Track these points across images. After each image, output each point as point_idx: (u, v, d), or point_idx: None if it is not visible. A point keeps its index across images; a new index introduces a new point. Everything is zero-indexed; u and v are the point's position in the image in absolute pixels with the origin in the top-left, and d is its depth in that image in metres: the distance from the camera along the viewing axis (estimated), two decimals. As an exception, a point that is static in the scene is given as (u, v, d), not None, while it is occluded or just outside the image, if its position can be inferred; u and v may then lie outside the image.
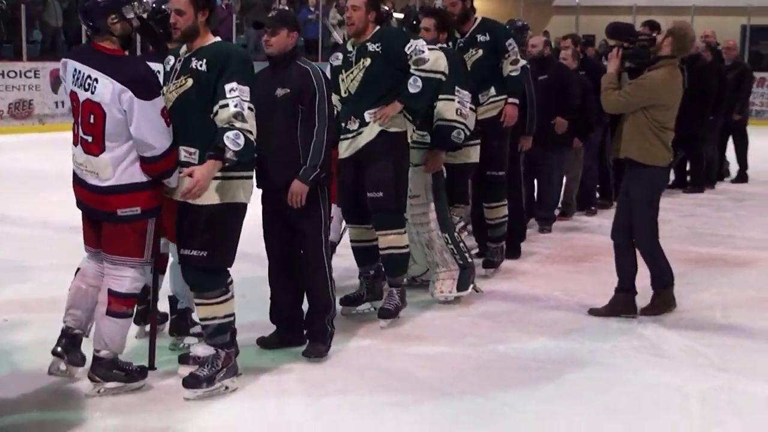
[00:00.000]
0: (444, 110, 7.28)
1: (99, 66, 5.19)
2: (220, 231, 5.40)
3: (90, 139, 5.21)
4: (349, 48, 6.79)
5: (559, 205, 11.07)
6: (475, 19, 8.25)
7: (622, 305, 7.21)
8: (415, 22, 8.47)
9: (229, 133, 5.16)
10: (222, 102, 5.21)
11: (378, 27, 6.81)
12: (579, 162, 11.03)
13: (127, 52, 5.46)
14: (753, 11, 27.21)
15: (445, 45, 7.60)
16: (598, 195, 11.83)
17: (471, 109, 7.50)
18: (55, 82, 19.88)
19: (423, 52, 6.62)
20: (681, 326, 7.03)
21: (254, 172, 5.69)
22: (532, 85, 8.91)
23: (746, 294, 8.08)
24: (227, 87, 5.22)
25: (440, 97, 7.18)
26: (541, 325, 7.00)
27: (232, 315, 5.57)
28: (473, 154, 7.82)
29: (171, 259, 6.07)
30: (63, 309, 5.57)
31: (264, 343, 6.29)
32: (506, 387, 5.79)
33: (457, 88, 7.30)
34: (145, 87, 5.17)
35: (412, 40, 6.70)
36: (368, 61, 6.65)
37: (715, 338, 6.82)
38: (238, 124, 5.18)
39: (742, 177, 14.82)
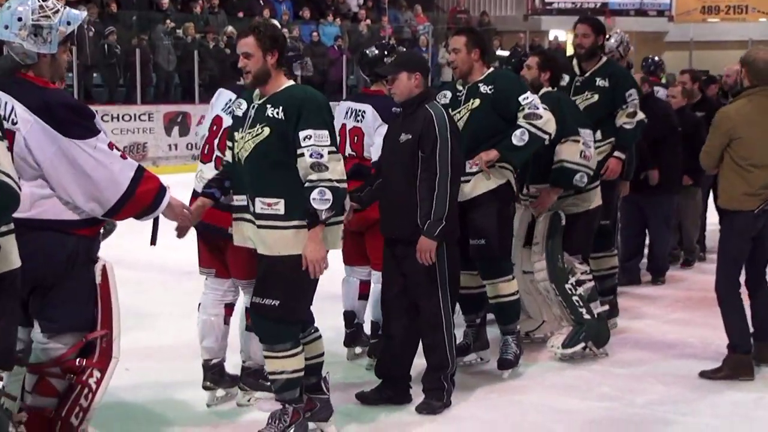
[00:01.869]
0: (568, 152, 6.86)
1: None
2: (298, 281, 5.12)
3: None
4: (459, 87, 6.53)
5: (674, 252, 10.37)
6: (600, 58, 7.80)
7: (734, 366, 6.58)
8: (522, 59, 8.09)
9: (314, 194, 4.95)
10: (299, 151, 5.02)
11: (492, 69, 6.58)
12: (697, 204, 10.36)
13: None
14: None
15: (550, 88, 7.09)
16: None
17: (595, 150, 7.16)
18: (169, 125, 20.08)
19: (538, 108, 6.34)
20: (830, 375, 6.61)
21: (342, 216, 5.32)
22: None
23: None
24: (302, 135, 5.01)
25: (563, 139, 6.80)
26: (679, 376, 6.63)
27: (302, 370, 5.28)
28: (596, 198, 7.26)
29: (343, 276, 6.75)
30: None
31: (364, 398, 5.99)
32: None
33: (578, 128, 6.93)
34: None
35: (529, 93, 6.42)
36: (477, 102, 6.39)
37: None
38: (315, 176, 4.96)
39: None
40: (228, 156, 5.42)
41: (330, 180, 4.97)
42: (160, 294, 8.89)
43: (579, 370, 6.73)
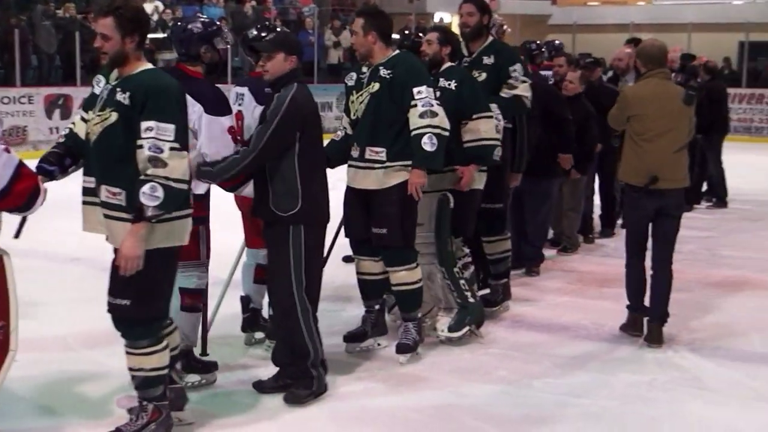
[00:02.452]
0: (485, 129, 6.80)
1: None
2: (148, 279, 4.81)
3: None
4: (363, 69, 6.48)
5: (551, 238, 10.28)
6: (486, 38, 7.65)
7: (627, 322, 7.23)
8: (414, 39, 7.96)
9: (145, 188, 4.63)
10: (139, 142, 4.70)
11: (397, 52, 6.49)
12: (579, 193, 10.24)
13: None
14: (751, 27, 27.04)
15: (451, 63, 7.04)
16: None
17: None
18: (50, 107, 19.61)
19: (432, 104, 6.22)
20: (720, 356, 6.75)
21: (190, 207, 5.02)
22: (523, 118, 8.17)
23: (781, 319, 7.76)
24: (143, 126, 4.69)
25: (476, 116, 6.77)
26: (575, 357, 6.70)
27: (164, 368, 5.05)
28: (481, 180, 7.18)
29: (243, 260, 6.57)
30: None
31: (260, 387, 5.89)
32: (546, 425, 5.51)
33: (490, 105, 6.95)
34: (212, 105, 5.67)
35: (424, 87, 6.26)
36: (377, 87, 6.32)
37: (759, 369, 6.54)
38: (151, 171, 4.64)
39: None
40: (79, 129, 5.18)
41: (166, 178, 4.66)
42: (50, 281, 8.60)
43: (476, 355, 6.72)
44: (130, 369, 5.04)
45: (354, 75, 6.55)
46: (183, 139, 4.79)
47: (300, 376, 5.72)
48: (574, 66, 10.33)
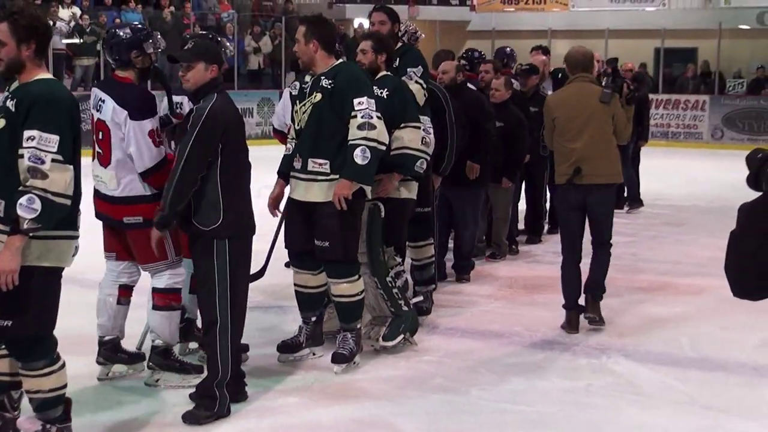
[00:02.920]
0: (410, 138, 6.78)
1: (108, 90, 5.97)
2: (27, 297, 4.63)
3: (101, 152, 5.93)
4: (307, 78, 6.42)
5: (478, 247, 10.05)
6: (397, 44, 7.54)
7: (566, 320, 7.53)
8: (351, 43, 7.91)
9: (22, 199, 4.43)
10: (20, 152, 4.52)
11: (339, 61, 6.40)
12: (508, 201, 10.26)
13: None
14: (666, 34, 27.48)
15: (386, 72, 6.95)
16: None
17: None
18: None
19: (372, 116, 6.14)
20: (652, 360, 6.83)
21: (76, 231, 4.84)
22: (452, 116, 8.17)
23: (708, 323, 7.89)
24: (25, 135, 4.50)
25: (404, 124, 6.74)
26: (510, 364, 6.72)
27: (62, 387, 4.91)
28: (413, 190, 7.19)
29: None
30: None
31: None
32: (487, 433, 5.51)
33: (421, 117, 6.93)
34: (138, 110, 5.79)
35: (365, 98, 6.18)
36: (318, 97, 6.24)
37: (690, 372, 6.64)
38: (30, 182, 4.46)
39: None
40: None
41: (44, 190, 4.47)
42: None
43: (412, 363, 6.71)
44: (28, 392, 4.89)
45: (297, 84, 6.51)
46: (68, 152, 4.58)
47: (203, 395, 5.56)
48: (498, 73, 10.33)
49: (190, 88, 5.58)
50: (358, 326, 6.60)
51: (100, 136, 5.96)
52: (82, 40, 22.23)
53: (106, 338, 6.19)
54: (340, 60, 6.46)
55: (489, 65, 10.42)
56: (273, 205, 6.59)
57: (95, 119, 6.00)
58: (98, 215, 6.12)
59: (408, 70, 7.38)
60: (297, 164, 6.33)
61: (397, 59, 7.40)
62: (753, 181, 2.88)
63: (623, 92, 7.60)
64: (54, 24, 21.42)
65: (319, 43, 6.26)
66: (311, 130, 6.26)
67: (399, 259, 7.18)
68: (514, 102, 10.01)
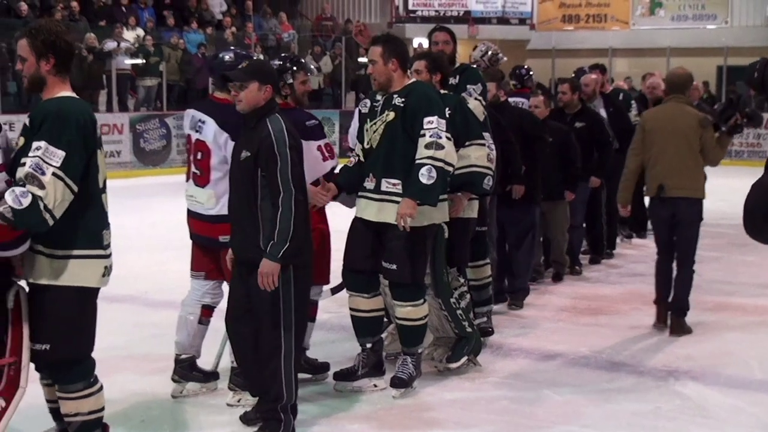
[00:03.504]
0: (476, 156, 6.74)
1: (209, 112, 6.05)
2: (64, 318, 4.66)
3: (198, 172, 6.02)
4: (378, 96, 6.38)
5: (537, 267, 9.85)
6: (455, 64, 7.56)
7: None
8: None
9: (17, 189, 4.40)
10: (22, 160, 4.49)
11: (413, 80, 6.39)
12: (564, 218, 9.94)
13: None
14: (729, 52, 27.20)
15: (444, 91, 6.86)
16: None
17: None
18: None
19: (441, 136, 6.08)
20: (720, 383, 6.73)
21: (103, 250, 4.79)
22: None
23: (778, 346, 7.75)
24: (33, 145, 4.47)
25: (468, 143, 6.70)
26: (576, 386, 6.65)
27: (101, 410, 4.91)
28: (475, 208, 7.17)
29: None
30: None
31: (246, 419, 5.74)
32: (555, 456, 5.45)
33: (481, 131, 6.88)
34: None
35: (436, 117, 6.12)
36: (391, 116, 6.21)
37: (759, 395, 6.53)
38: (27, 188, 4.40)
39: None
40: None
41: (41, 198, 4.43)
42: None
43: (476, 384, 6.67)
44: (66, 415, 4.87)
45: (368, 102, 6.47)
46: (75, 171, 4.55)
47: (268, 417, 5.52)
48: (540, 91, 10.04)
49: (243, 109, 5.42)
50: (420, 351, 6.54)
51: (199, 156, 6.02)
52: (145, 61, 22.46)
53: (183, 356, 6.25)
54: (414, 79, 6.44)
55: (566, 85, 10.33)
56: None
57: (194, 140, 6.07)
58: (193, 236, 6.25)
59: (468, 87, 7.36)
60: (369, 184, 6.29)
61: (457, 77, 7.39)
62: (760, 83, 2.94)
63: (733, 122, 7.70)
64: (118, 45, 21.69)
65: (398, 62, 6.26)
66: (384, 149, 6.22)
67: (462, 280, 7.11)
68: (555, 118, 9.90)
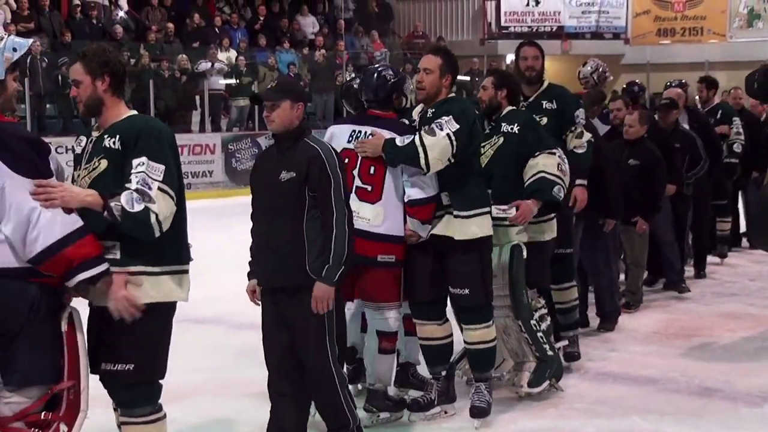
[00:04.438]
0: (545, 163, 6.46)
1: (378, 125, 5.98)
2: (147, 337, 4.59)
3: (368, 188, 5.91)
4: (414, 116, 6.19)
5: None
6: (543, 82, 7.43)
7: None
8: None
9: (135, 193, 4.40)
10: (129, 177, 4.47)
11: (451, 95, 6.21)
12: (644, 244, 9.32)
13: None
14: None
15: (512, 107, 6.65)
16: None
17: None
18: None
19: (439, 129, 5.89)
20: (816, 410, 6.46)
21: (183, 265, 4.73)
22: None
23: None
24: (135, 162, 4.47)
25: (537, 153, 6.46)
26: (667, 413, 6.42)
27: None
28: (551, 230, 6.92)
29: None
30: None
31: None
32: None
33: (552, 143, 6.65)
34: None
35: (449, 117, 5.93)
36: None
37: None
38: (140, 200, 4.41)
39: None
40: None
41: (152, 211, 4.43)
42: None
43: (561, 410, 6.49)
44: None
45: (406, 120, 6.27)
46: (174, 183, 4.56)
47: None
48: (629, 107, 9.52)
49: (276, 129, 5.21)
50: (492, 375, 6.37)
51: (371, 171, 5.90)
52: (238, 81, 22.65)
53: (375, 386, 6.18)
54: (452, 95, 6.26)
55: (619, 102, 9.62)
56: None
57: (360, 156, 5.95)
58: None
59: (575, 115, 7.33)
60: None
61: (552, 100, 7.27)
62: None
63: None
64: (212, 65, 21.93)
65: (452, 79, 6.13)
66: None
67: (543, 302, 6.87)
68: (653, 138, 9.35)
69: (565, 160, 6.66)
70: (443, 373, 6.34)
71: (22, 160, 4.27)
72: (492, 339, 6.22)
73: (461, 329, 6.26)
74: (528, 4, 29.71)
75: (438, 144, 5.83)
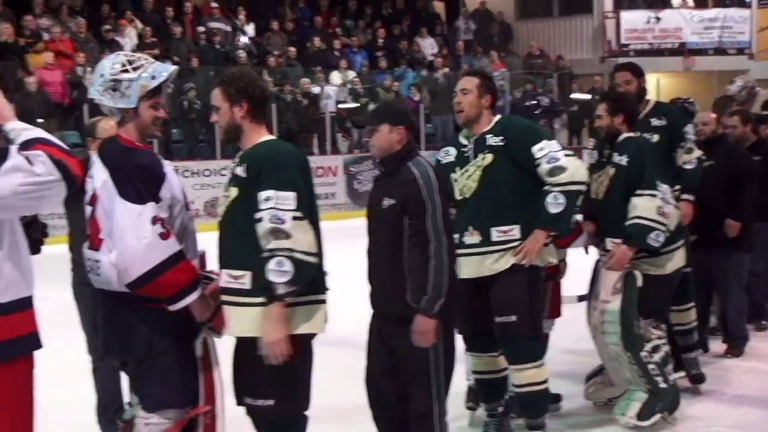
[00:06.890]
0: (643, 207, 6.21)
1: None
2: (288, 371, 4.50)
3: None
4: (463, 141, 5.93)
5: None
6: (647, 101, 7.26)
7: None
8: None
9: (271, 263, 4.31)
10: (257, 215, 4.39)
11: (499, 116, 5.96)
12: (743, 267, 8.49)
13: None
14: None
15: (630, 133, 6.51)
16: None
17: (675, 206, 6.53)
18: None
19: (558, 159, 5.68)
20: None
21: (323, 294, 4.63)
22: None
23: None
24: (262, 196, 4.39)
25: (638, 192, 6.24)
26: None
27: None
28: (674, 261, 6.58)
29: None
30: None
31: None
32: None
33: (657, 182, 6.32)
34: None
35: (544, 141, 5.73)
36: (489, 158, 5.75)
37: None
38: (273, 244, 4.33)
39: None
40: None
41: (290, 250, 4.33)
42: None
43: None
44: None
45: (451, 149, 5.98)
46: (306, 209, 4.45)
47: None
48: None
49: (376, 154, 5.08)
50: (546, 421, 6.00)
51: None
52: (358, 104, 22.82)
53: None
54: (500, 115, 6.01)
55: (736, 118, 8.90)
56: None
57: None
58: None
59: (685, 131, 7.21)
60: (472, 238, 5.77)
61: (662, 117, 7.14)
62: None
63: None
64: (322, 89, 22.15)
65: (492, 100, 5.89)
66: (488, 196, 5.77)
67: (660, 332, 6.57)
68: (756, 152, 8.71)
69: (670, 201, 6.42)
70: (500, 409, 6.14)
71: (128, 184, 4.33)
72: (543, 381, 5.87)
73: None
74: (648, 21, 29.26)
75: (575, 169, 5.77)
